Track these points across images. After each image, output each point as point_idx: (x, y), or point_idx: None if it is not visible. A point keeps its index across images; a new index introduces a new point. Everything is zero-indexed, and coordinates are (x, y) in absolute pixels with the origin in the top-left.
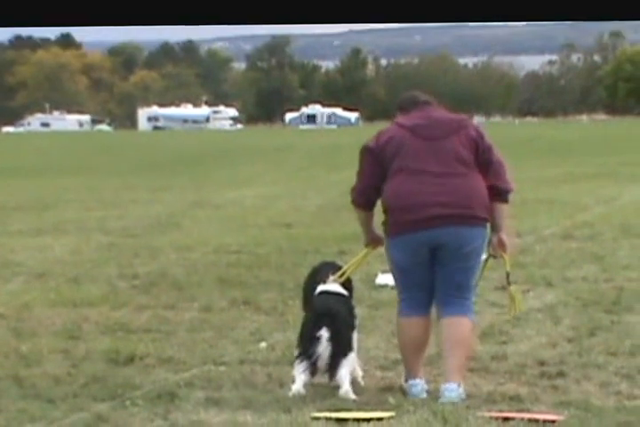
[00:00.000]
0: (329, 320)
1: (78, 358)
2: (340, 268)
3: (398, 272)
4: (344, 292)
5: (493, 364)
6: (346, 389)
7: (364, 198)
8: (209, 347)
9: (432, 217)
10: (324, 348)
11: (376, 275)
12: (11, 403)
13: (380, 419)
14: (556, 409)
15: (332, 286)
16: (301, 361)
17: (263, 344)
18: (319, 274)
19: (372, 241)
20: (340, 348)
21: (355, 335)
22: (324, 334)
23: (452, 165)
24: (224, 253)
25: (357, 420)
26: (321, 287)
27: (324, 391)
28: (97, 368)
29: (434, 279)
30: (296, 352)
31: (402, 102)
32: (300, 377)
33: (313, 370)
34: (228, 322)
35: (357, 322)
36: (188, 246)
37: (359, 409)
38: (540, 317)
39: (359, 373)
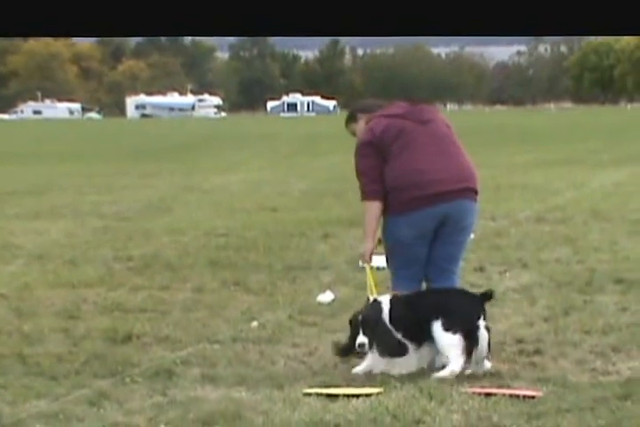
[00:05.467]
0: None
1: (78, 337)
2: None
3: (400, 248)
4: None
5: None
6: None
7: (378, 188)
8: (202, 326)
9: (440, 193)
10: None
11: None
12: (15, 380)
13: (368, 395)
14: (535, 385)
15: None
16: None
17: (254, 323)
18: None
19: (370, 251)
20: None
21: None
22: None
23: (447, 144)
24: (214, 236)
25: (347, 396)
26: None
27: (315, 368)
28: (97, 347)
29: (429, 255)
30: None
31: (365, 105)
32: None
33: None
34: (220, 302)
35: None
36: (179, 230)
37: (348, 385)
38: (516, 297)
39: None
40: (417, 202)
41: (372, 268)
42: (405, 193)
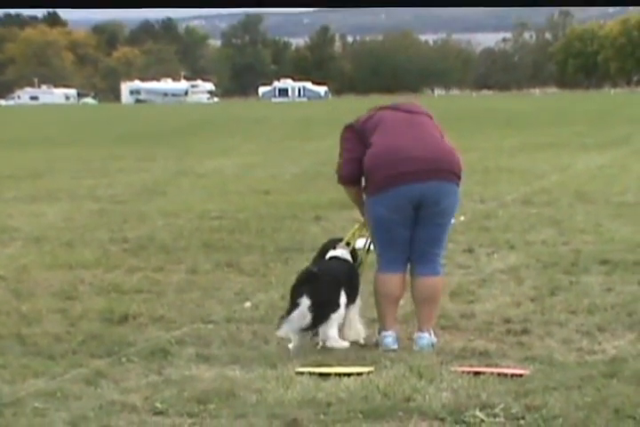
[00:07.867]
0: (309, 287)
1: (75, 318)
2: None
3: (379, 230)
4: (350, 259)
5: (463, 322)
6: (331, 344)
7: (346, 171)
8: (197, 306)
9: (413, 171)
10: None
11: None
12: (14, 359)
13: (359, 374)
14: (522, 364)
15: (341, 251)
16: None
17: (248, 304)
18: (327, 247)
19: (361, 213)
20: (321, 310)
21: (358, 299)
22: (305, 301)
23: (428, 131)
24: (207, 219)
25: (339, 374)
26: (330, 253)
27: (308, 348)
28: (93, 327)
29: (411, 238)
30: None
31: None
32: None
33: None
34: (214, 283)
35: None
36: (173, 212)
37: (340, 365)
38: (504, 277)
39: (361, 334)
40: (391, 180)
41: (362, 226)
42: (379, 173)
